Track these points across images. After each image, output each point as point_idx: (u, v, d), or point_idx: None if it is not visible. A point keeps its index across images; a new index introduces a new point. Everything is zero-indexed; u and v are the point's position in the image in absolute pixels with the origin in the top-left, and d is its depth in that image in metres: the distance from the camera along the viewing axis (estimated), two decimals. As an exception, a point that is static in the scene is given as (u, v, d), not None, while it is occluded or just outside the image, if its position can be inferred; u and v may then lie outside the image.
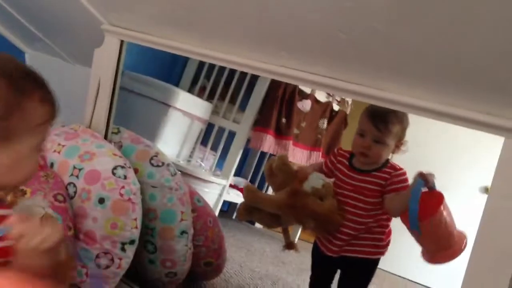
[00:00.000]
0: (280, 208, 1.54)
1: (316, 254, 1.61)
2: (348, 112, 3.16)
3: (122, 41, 1.48)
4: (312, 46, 1.11)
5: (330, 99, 2.99)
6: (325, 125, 2.95)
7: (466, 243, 1.38)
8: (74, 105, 1.79)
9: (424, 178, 1.35)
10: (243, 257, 2.37)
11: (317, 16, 0.98)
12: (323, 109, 2.94)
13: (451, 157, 3.23)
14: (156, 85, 2.41)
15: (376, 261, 1.55)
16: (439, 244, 1.40)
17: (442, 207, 1.35)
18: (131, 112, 2.39)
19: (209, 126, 2.73)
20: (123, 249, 1.29)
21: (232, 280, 1.96)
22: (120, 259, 1.29)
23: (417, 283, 3.34)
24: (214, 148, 2.76)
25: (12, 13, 1.92)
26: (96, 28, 1.54)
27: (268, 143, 2.56)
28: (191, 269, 1.60)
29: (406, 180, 1.50)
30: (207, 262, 1.67)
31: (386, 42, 0.95)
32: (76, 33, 1.82)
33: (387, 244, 1.53)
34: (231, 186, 2.74)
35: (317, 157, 2.90)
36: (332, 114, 3.06)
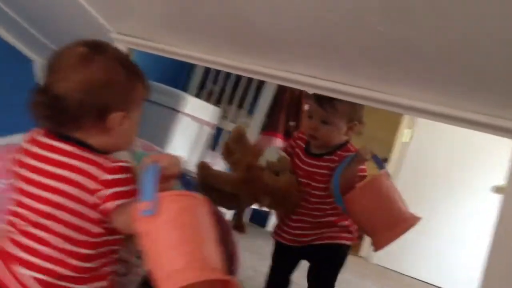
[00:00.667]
0: (235, 184, 1.46)
1: (276, 244, 1.54)
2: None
3: (129, 49, 1.48)
4: (318, 50, 1.11)
5: (338, 100, 2.99)
6: (333, 127, 2.95)
7: (411, 224, 1.31)
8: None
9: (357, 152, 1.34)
10: (256, 261, 2.36)
11: (323, 22, 0.98)
12: (332, 110, 2.94)
13: (462, 158, 3.21)
14: (164, 91, 2.42)
15: (345, 248, 1.46)
16: (370, 223, 1.35)
17: (367, 184, 1.35)
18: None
19: (218, 131, 2.74)
20: (139, 257, 1.30)
21: (245, 284, 1.96)
22: (137, 266, 1.30)
23: (421, 280, 3.30)
24: (223, 153, 2.76)
25: (19, 22, 1.95)
26: (104, 36, 1.56)
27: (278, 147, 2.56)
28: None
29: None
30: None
31: (392, 45, 0.95)
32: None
33: (356, 230, 1.47)
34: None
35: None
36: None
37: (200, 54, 1.34)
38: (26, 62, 2.35)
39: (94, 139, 0.84)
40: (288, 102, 2.59)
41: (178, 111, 2.40)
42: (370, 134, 3.62)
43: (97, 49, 0.85)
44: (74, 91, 0.80)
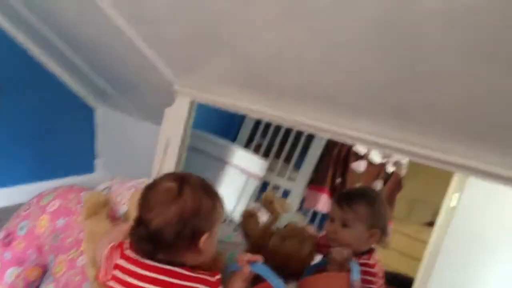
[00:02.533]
0: (251, 247, 1.50)
1: None
2: (402, 174, 3.12)
3: (192, 101, 1.56)
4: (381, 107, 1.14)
5: (385, 160, 2.97)
6: (379, 187, 2.92)
7: None
8: (139, 159, 1.88)
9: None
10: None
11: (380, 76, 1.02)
12: (378, 170, 2.92)
13: (512, 226, 3.09)
14: (214, 142, 2.49)
15: None
16: None
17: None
18: (188, 167, 2.47)
19: (264, 184, 2.76)
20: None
21: None
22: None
23: None
24: (268, 206, 2.77)
25: (85, 69, 2.08)
26: (167, 88, 1.64)
27: (323, 202, 2.56)
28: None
29: (374, 274, 1.35)
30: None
31: (453, 104, 0.96)
32: (147, 91, 1.94)
33: None
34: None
35: (371, 218, 2.86)
36: (387, 176, 3.03)
37: (263, 108, 1.39)
38: (88, 110, 2.50)
39: (188, 259, 0.96)
40: (336, 158, 2.61)
41: (227, 162, 2.45)
42: (416, 197, 3.56)
43: (183, 181, 0.97)
44: (170, 224, 0.92)
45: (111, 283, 0.97)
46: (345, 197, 1.39)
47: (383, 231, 1.41)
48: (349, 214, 1.37)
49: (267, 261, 1.45)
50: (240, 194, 2.56)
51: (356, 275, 1.24)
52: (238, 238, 1.53)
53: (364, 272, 1.31)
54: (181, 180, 0.97)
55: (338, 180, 2.65)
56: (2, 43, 1.98)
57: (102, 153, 2.62)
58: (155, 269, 0.94)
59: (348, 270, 1.25)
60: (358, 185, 2.80)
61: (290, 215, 1.53)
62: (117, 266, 0.98)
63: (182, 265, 0.95)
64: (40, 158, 2.32)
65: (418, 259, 3.10)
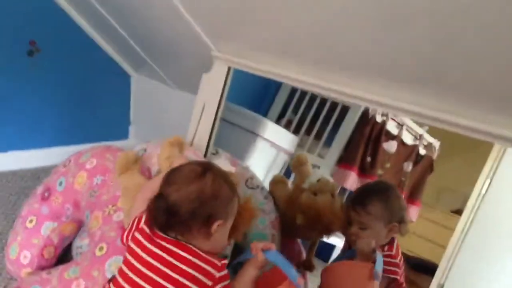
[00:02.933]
0: (282, 204, 1.57)
1: None
2: (434, 157, 3.08)
3: (229, 68, 1.56)
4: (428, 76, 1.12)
5: (417, 142, 2.93)
6: (410, 168, 2.89)
7: None
8: (172, 127, 1.90)
9: None
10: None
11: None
12: (409, 152, 2.89)
13: None
14: (246, 114, 2.49)
15: None
16: None
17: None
18: (220, 138, 2.49)
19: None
20: (216, 264, 1.33)
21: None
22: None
23: None
24: (295, 181, 2.78)
25: (124, 37, 2.10)
26: (205, 54, 1.65)
27: (351, 181, 2.54)
28: None
29: (394, 264, 1.40)
30: None
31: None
32: (184, 59, 1.95)
33: None
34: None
35: (400, 200, 2.84)
36: (418, 158, 2.99)
37: (299, 76, 1.38)
38: (125, 77, 2.53)
39: (197, 242, 0.99)
40: (367, 137, 2.58)
41: (257, 135, 2.45)
42: (445, 185, 3.50)
43: (208, 167, 1.03)
44: (188, 200, 0.97)
45: (128, 249, 1.02)
46: (358, 201, 1.43)
47: (401, 221, 1.45)
48: (365, 217, 1.42)
49: (298, 214, 1.48)
50: (269, 168, 2.57)
51: (379, 266, 1.29)
52: (268, 206, 1.54)
53: (387, 263, 1.37)
54: (206, 166, 1.04)
55: (368, 160, 2.63)
56: (44, 5, 2.02)
57: (136, 120, 2.66)
58: (167, 240, 0.98)
59: (374, 261, 1.27)
60: (388, 165, 2.77)
61: (319, 174, 1.54)
62: (133, 238, 1.01)
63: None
64: (76, 121, 2.37)
65: (443, 246, 3.08)
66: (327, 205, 1.47)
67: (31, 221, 1.45)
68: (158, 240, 0.98)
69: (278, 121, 2.87)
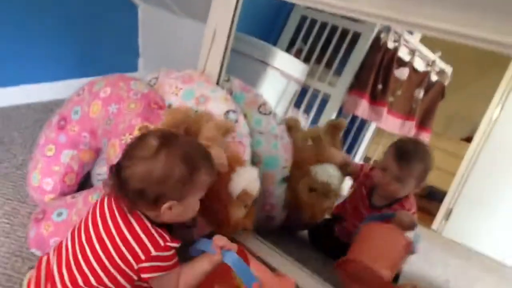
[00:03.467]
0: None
1: None
2: (446, 83, 3.05)
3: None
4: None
5: (429, 68, 2.90)
6: (421, 95, 2.87)
7: None
8: (182, 58, 1.89)
9: None
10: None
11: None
12: (421, 78, 2.86)
13: None
14: (255, 44, 2.46)
15: None
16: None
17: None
18: (228, 69, 2.47)
19: (303, 90, 2.75)
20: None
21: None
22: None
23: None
24: (306, 111, 2.79)
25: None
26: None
27: (362, 108, 2.55)
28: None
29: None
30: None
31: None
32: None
33: None
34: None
35: (411, 127, 2.84)
36: (430, 85, 2.97)
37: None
38: (131, 7, 2.48)
39: (147, 214, 0.98)
40: (378, 64, 2.55)
41: (268, 64, 2.44)
42: (455, 113, 3.49)
43: (166, 143, 0.95)
44: (135, 179, 0.93)
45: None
46: (404, 155, 1.51)
47: (424, 184, 1.56)
48: (406, 172, 1.51)
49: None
50: (279, 97, 2.57)
51: (418, 243, 1.39)
52: (281, 130, 1.56)
53: None
54: (165, 140, 0.96)
55: (379, 87, 2.62)
56: None
57: (145, 52, 2.65)
58: (119, 210, 0.98)
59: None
60: (399, 92, 2.76)
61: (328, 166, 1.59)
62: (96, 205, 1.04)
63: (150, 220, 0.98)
64: (85, 55, 2.36)
65: (452, 174, 3.13)
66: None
67: (50, 149, 1.49)
68: (113, 205, 0.99)
69: (287, 50, 2.83)
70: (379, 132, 3.15)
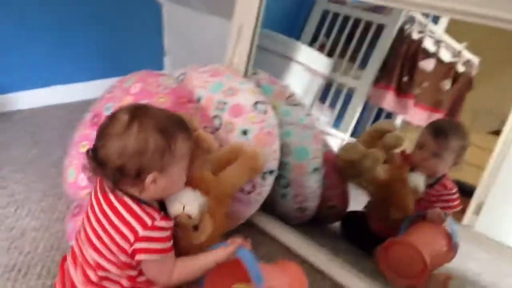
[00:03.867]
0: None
1: None
2: (473, 74, 3.00)
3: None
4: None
5: (455, 59, 2.86)
6: (448, 87, 2.83)
7: None
8: (208, 55, 1.91)
9: None
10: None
11: None
12: (447, 69, 2.82)
13: None
14: (279, 39, 2.47)
15: None
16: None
17: None
18: (253, 64, 2.49)
19: (328, 84, 2.75)
20: (263, 178, 1.39)
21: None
22: (261, 186, 1.39)
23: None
24: (331, 105, 2.78)
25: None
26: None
27: (389, 100, 2.53)
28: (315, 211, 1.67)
29: (454, 200, 1.56)
30: (331, 205, 1.73)
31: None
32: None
33: None
34: (346, 143, 2.76)
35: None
36: (457, 76, 2.92)
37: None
38: (155, 6, 2.52)
39: (133, 192, 0.96)
40: (403, 56, 2.53)
41: (291, 59, 2.44)
42: (482, 106, 3.44)
43: (136, 115, 0.92)
44: (112, 158, 0.90)
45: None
46: (441, 131, 1.52)
47: (462, 159, 1.57)
48: (443, 146, 1.51)
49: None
50: (304, 92, 2.57)
51: (456, 238, 1.47)
52: (310, 121, 1.56)
53: (452, 200, 1.57)
54: (135, 113, 0.93)
55: (405, 79, 2.60)
56: None
57: (171, 50, 2.68)
58: (104, 197, 0.97)
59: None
60: (425, 84, 2.73)
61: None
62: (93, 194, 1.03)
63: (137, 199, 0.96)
64: (111, 55, 2.41)
65: (480, 167, 3.07)
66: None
67: (84, 146, 1.52)
68: (98, 193, 0.99)
69: (310, 45, 2.83)
70: (404, 127, 3.12)
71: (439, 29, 2.65)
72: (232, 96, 1.45)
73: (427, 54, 2.69)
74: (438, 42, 2.67)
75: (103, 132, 0.93)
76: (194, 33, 2.49)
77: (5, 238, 1.34)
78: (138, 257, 0.94)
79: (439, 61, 2.76)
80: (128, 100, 1.50)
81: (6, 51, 1.99)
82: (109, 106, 1.54)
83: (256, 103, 1.43)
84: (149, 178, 0.93)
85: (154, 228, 0.93)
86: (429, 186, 1.57)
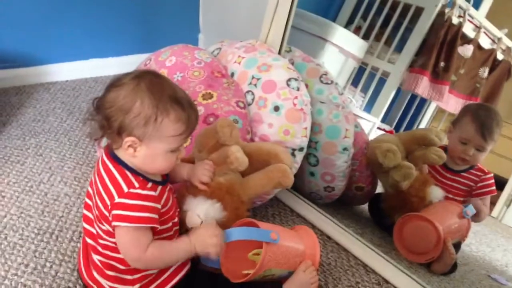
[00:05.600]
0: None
1: None
2: (513, 62, 2.92)
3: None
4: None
5: (495, 46, 2.77)
6: (485, 74, 2.76)
7: None
8: (243, 33, 1.91)
9: None
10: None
11: None
12: (486, 56, 2.74)
13: None
14: (314, 20, 2.45)
15: None
16: None
17: None
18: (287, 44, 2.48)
19: (361, 68, 2.71)
20: (293, 155, 1.39)
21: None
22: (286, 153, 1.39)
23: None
24: (363, 90, 2.75)
25: None
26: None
27: (423, 86, 2.48)
28: (342, 191, 1.67)
29: (492, 184, 1.60)
30: (359, 186, 1.73)
31: None
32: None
33: None
34: (378, 128, 2.73)
35: (473, 106, 2.75)
36: (495, 63, 2.84)
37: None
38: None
39: (124, 158, 0.94)
40: (441, 41, 2.48)
41: (326, 40, 2.42)
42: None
43: (140, 78, 0.92)
44: (104, 106, 0.91)
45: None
46: (486, 126, 1.55)
47: None
48: (490, 141, 1.56)
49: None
50: (337, 75, 2.55)
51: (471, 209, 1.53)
52: (343, 100, 1.56)
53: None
54: (142, 75, 0.93)
55: (442, 64, 2.54)
56: None
57: (205, 28, 2.69)
58: (102, 160, 0.97)
59: None
60: (462, 71, 2.67)
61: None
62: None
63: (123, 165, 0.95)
64: (147, 31, 2.44)
65: (514, 161, 3.00)
66: None
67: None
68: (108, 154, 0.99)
69: (346, 27, 2.80)
70: (437, 115, 3.06)
71: (480, 14, 2.58)
72: (266, 72, 1.46)
73: (466, 40, 2.62)
74: (478, 28, 2.60)
75: (109, 83, 0.94)
76: (229, 11, 2.48)
77: (40, 203, 1.39)
78: (113, 224, 0.92)
79: (478, 48, 2.69)
80: (163, 73, 1.53)
81: (45, 24, 2.04)
82: (144, 77, 1.57)
83: (289, 79, 1.43)
84: (127, 140, 0.91)
85: (130, 195, 0.91)
86: (464, 171, 1.60)
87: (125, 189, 0.91)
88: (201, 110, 1.39)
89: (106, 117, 0.91)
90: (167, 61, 1.55)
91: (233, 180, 1.18)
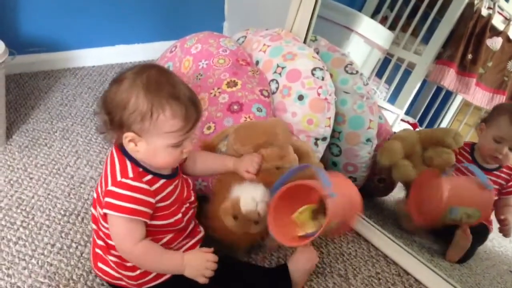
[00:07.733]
0: None
1: None
2: (543, 56, 2.84)
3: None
4: None
5: (525, 39, 2.71)
6: (514, 68, 2.70)
7: None
8: (268, 20, 1.91)
9: None
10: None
11: None
12: (515, 49, 2.69)
13: None
14: (340, 9, 2.43)
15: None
16: None
17: None
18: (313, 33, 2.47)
19: (386, 59, 2.68)
20: (315, 144, 1.40)
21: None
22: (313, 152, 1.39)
23: None
24: (388, 81, 2.72)
25: None
26: None
27: (450, 78, 2.44)
28: (364, 183, 1.66)
29: None
30: (381, 178, 1.72)
31: None
32: None
33: None
34: (401, 120, 2.70)
35: (501, 100, 2.69)
36: (524, 57, 2.78)
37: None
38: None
39: (126, 147, 0.95)
40: (470, 33, 2.42)
41: (352, 30, 2.40)
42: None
43: (139, 73, 0.91)
44: (106, 102, 0.92)
45: None
46: None
47: None
48: None
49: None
50: (362, 65, 2.52)
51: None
52: (367, 91, 1.55)
53: None
54: (142, 71, 0.92)
55: (469, 57, 2.49)
56: None
57: (230, 16, 2.69)
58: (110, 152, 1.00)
59: None
60: (490, 64, 2.61)
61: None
62: None
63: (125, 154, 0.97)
64: (173, 18, 2.45)
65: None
66: None
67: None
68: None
69: (372, 17, 2.76)
70: (462, 108, 3.01)
71: (510, 6, 2.52)
72: (291, 61, 1.46)
73: (495, 32, 2.56)
74: (508, 20, 2.54)
75: (113, 78, 0.96)
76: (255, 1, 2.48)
77: (66, 185, 1.43)
78: (104, 211, 0.94)
79: (507, 40, 2.62)
80: (188, 60, 1.54)
81: (73, 10, 2.07)
82: (169, 64, 1.58)
83: (314, 69, 1.42)
84: (127, 135, 0.92)
85: (120, 184, 0.92)
86: (496, 169, 1.58)
87: (118, 177, 0.93)
88: (225, 97, 1.40)
89: (107, 112, 0.92)
90: (193, 48, 1.56)
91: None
